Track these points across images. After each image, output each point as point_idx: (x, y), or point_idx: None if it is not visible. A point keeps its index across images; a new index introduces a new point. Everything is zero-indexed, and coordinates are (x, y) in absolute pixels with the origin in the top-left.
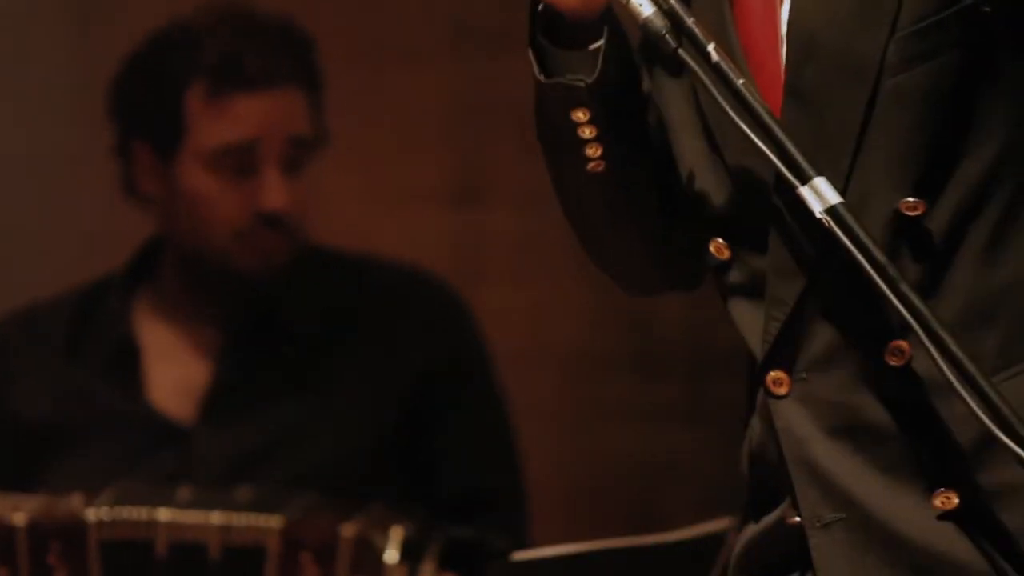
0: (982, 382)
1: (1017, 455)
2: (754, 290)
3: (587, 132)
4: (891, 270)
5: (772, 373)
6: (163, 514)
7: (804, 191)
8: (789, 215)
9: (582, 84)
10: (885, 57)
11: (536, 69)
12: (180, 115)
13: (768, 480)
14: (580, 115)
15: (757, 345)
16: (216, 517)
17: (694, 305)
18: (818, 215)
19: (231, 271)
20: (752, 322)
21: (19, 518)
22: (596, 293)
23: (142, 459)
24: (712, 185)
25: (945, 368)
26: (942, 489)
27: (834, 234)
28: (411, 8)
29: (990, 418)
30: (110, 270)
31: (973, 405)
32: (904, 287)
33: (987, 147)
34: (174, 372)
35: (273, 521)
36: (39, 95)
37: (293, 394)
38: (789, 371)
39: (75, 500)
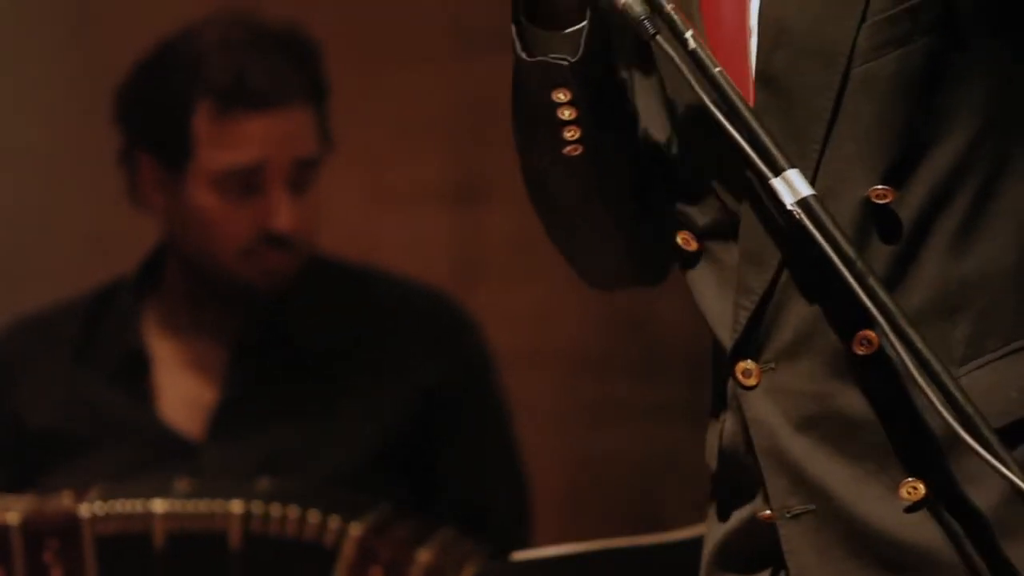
0: (947, 380)
1: (976, 451)
2: (722, 281)
3: (566, 113)
4: (860, 264)
5: (741, 363)
6: (159, 505)
7: (776, 182)
8: (761, 204)
9: (565, 63)
10: (856, 44)
11: (518, 47)
12: (187, 134)
13: (739, 476)
14: (561, 95)
15: (726, 335)
16: (237, 506)
17: (694, 305)
18: (789, 207)
19: (235, 285)
20: (720, 312)
21: (13, 517)
22: (596, 293)
23: (148, 471)
24: (678, 177)
25: (911, 366)
26: (909, 479)
27: (804, 226)
28: (411, 8)
29: (952, 414)
30: (116, 273)
31: (936, 402)
32: (872, 281)
33: (958, 135)
34: (182, 385)
35: (353, 529)
36: (39, 95)
37: (300, 409)
38: (758, 361)
39: (66, 497)
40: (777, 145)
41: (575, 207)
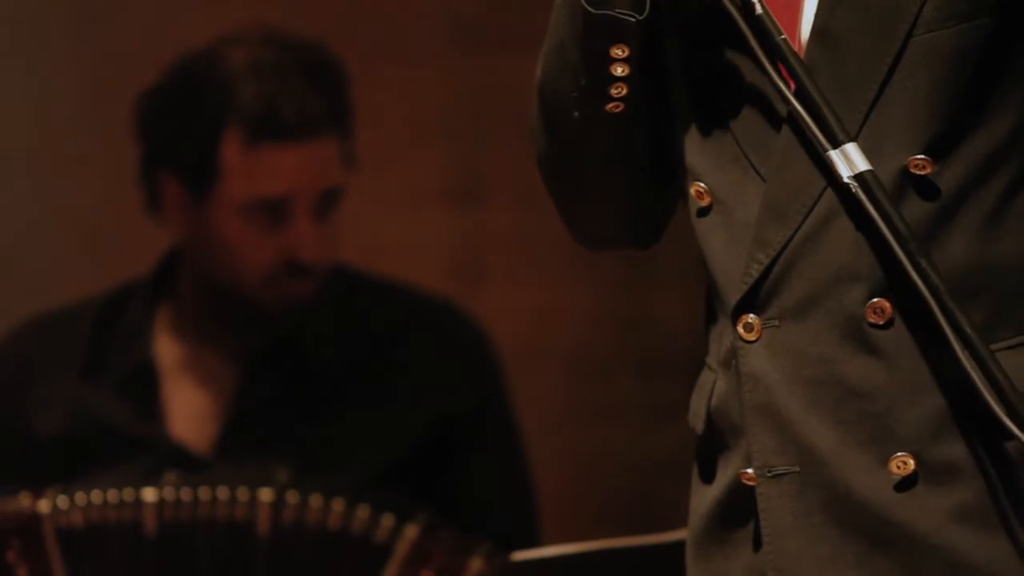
0: (992, 366)
1: (1009, 430)
2: (732, 235)
3: (619, 70)
4: (913, 244)
5: (744, 317)
6: (149, 495)
7: (834, 155)
8: (793, 163)
9: (633, 19)
10: (922, 11)
11: None
12: (215, 161)
13: (726, 437)
14: (619, 51)
15: (732, 289)
16: (266, 495)
17: (694, 305)
18: (845, 179)
19: (253, 307)
20: (727, 266)
21: None
22: (596, 293)
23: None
24: (703, 130)
25: (957, 349)
26: (900, 453)
27: (859, 200)
28: (410, 8)
29: (994, 397)
30: (117, 273)
31: (979, 383)
32: (924, 262)
33: (1004, 119)
34: (193, 400)
35: (409, 530)
36: (39, 95)
37: (311, 424)
38: (761, 316)
39: (25, 497)
40: (836, 117)
41: (594, 166)
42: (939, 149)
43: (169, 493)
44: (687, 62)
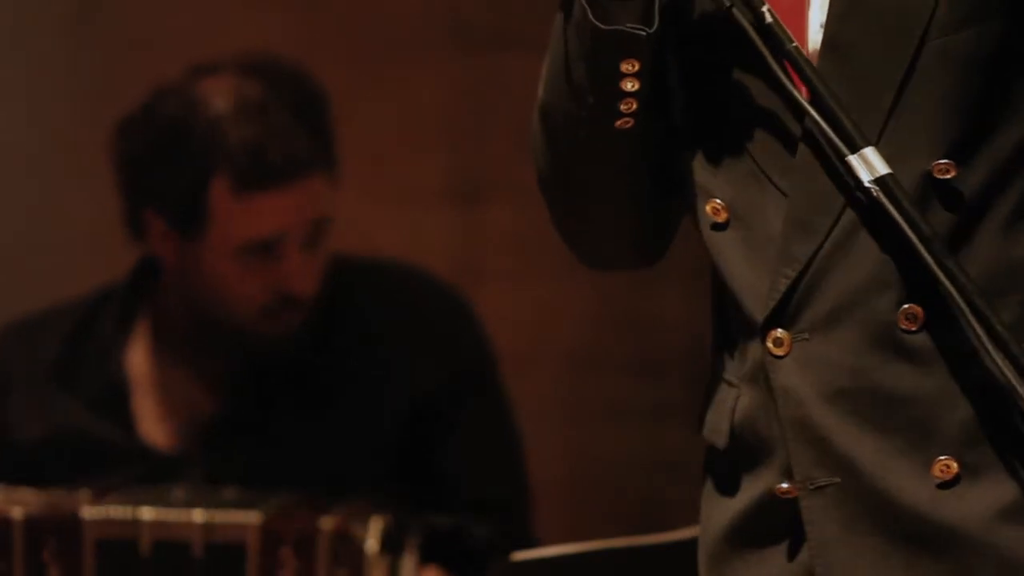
0: None
1: None
2: (753, 249)
3: (629, 85)
4: (937, 244)
5: (773, 332)
6: (147, 513)
7: (853, 160)
8: (814, 175)
9: (643, 34)
10: (934, 16)
11: (590, 15)
12: (203, 207)
13: (754, 451)
14: (628, 67)
15: (757, 304)
16: (199, 515)
17: (694, 305)
18: (866, 184)
19: (245, 336)
20: (751, 282)
21: (16, 512)
22: (597, 293)
23: (138, 489)
24: (714, 146)
25: (990, 348)
26: (942, 458)
27: (881, 204)
28: (410, 7)
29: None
30: (109, 281)
31: (1016, 384)
32: (950, 262)
33: (1021, 121)
34: (171, 406)
35: (252, 517)
36: (38, 94)
37: (297, 418)
38: (790, 330)
39: (71, 497)
40: (853, 123)
41: (601, 184)
42: (962, 152)
43: (167, 514)
44: (692, 77)
